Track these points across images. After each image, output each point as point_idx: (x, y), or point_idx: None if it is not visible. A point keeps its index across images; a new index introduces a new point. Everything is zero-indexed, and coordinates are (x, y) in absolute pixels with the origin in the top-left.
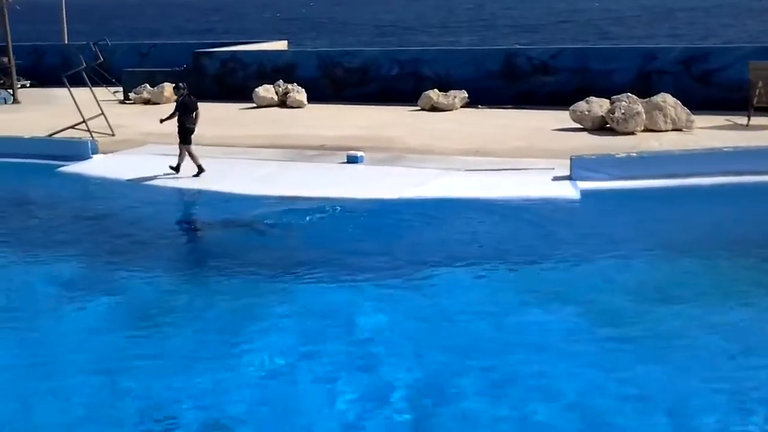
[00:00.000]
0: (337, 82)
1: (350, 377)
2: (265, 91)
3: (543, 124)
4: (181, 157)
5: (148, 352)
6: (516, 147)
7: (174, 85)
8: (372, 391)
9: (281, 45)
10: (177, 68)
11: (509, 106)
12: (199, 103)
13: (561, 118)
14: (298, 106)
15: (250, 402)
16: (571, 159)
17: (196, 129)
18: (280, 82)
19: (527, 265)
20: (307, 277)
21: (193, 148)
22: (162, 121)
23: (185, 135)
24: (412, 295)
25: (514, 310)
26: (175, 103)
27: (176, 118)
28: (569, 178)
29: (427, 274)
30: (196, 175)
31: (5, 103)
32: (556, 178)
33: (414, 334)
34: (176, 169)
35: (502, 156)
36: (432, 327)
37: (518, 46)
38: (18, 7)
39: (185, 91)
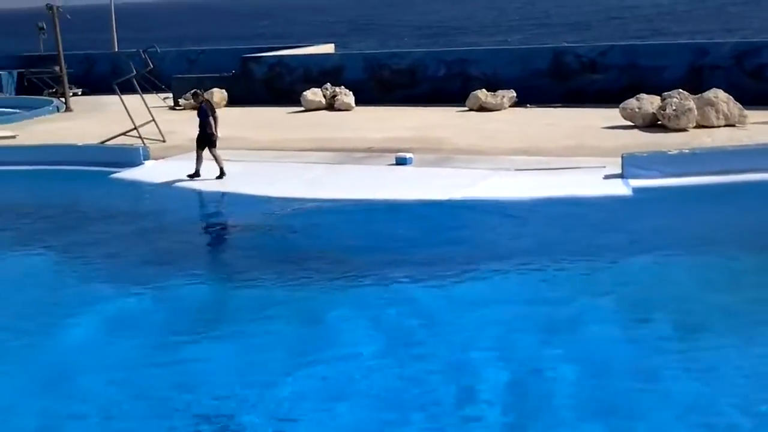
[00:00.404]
0: (384, 84)
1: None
2: (313, 94)
3: (592, 123)
4: (216, 160)
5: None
6: (566, 146)
7: (192, 92)
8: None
9: (328, 48)
10: (225, 74)
11: (558, 105)
12: (246, 108)
13: (611, 116)
14: (346, 108)
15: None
16: (622, 157)
17: (218, 134)
18: (328, 85)
19: (591, 264)
20: (379, 278)
21: (218, 151)
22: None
23: (206, 140)
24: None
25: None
26: (199, 111)
27: (199, 124)
28: (621, 176)
29: (495, 271)
30: (193, 176)
31: (57, 111)
32: (607, 177)
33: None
34: (195, 174)
35: (551, 155)
36: (529, 317)
37: (566, 44)
38: (69, 17)
39: (203, 98)
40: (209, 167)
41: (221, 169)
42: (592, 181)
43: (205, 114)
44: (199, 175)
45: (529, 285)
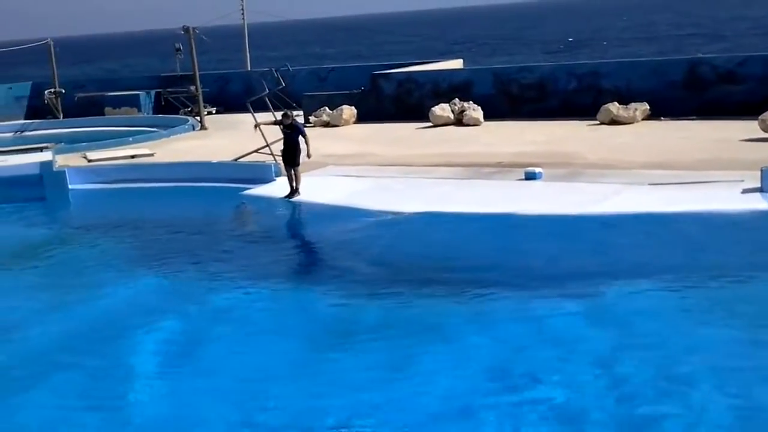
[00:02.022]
0: (513, 99)
1: None
2: (441, 109)
3: (730, 135)
4: (296, 180)
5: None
6: (701, 159)
7: (283, 113)
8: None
9: (456, 64)
10: (355, 90)
11: (693, 118)
12: (375, 124)
13: (749, 128)
14: (475, 123)
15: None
16: (761, 170)
17: (310, 151)
18: (456, 100)
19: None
20: (533, 292)
21: (300, 170)
22: (309, 155)
23: (294, 158)
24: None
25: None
26: (296, 129)
27: (284, 142)
28: (760, 190)
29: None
30: (288, 197)
31: (193, 129)
32: (745, 191)
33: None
34: (294, 192)
35: (686, 169)
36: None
37: (701, 55)
38: (205, 38)
39: (292, 119)
40: (331, 183)
41: (297, 189)
42: (730, 196)
43: (301, 134)
44: (298, 192)
45: (683, 302)
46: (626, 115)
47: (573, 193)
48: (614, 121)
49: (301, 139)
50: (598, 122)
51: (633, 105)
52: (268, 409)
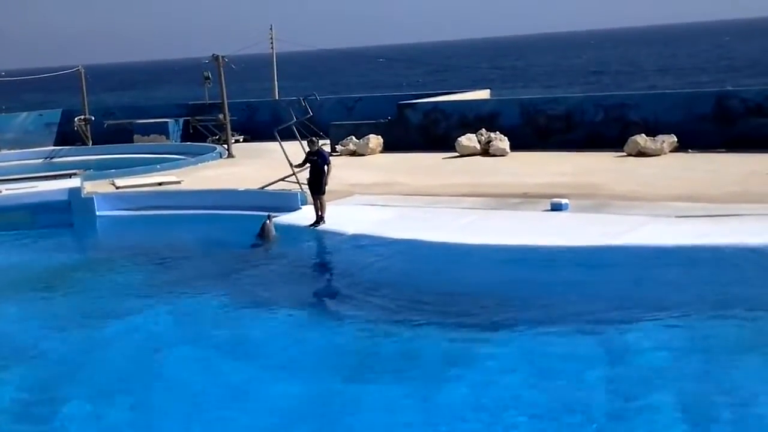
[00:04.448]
0: (540, 130)
1: None
2: (468, 140)
3: (759, 168)
4: (321, 209)
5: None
6: (730, 192)
7: (309, 140)
8: None
9: (483, 94)
10: (381, 120)
11: (722, 150)
12: (401, 154)
13: None
14: (501, 154)
15: None
16: None
17: (327, 180)
18: (483, 130)
19: None
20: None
21: (325, 198)
22: (325, 183)
23: (319, 186)
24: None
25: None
26: (320, 157)
27: (309, 169)
28: None
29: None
30: (314, 225)
31: (220, 157)
32: None
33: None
34: (319, 221)
35: (714, 202)
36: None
37: (730, 88)
38: (233, 66)
39: (318, 147)
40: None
41: (323, 217)
42: (760, 229)
43: (327, 160)
44: (323, 221)
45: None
46: (653, 147)
47: (599, 225)
48: (641, 153)
49: (326, 167)
50: (625, 154)
51: (660, 137)
52: None
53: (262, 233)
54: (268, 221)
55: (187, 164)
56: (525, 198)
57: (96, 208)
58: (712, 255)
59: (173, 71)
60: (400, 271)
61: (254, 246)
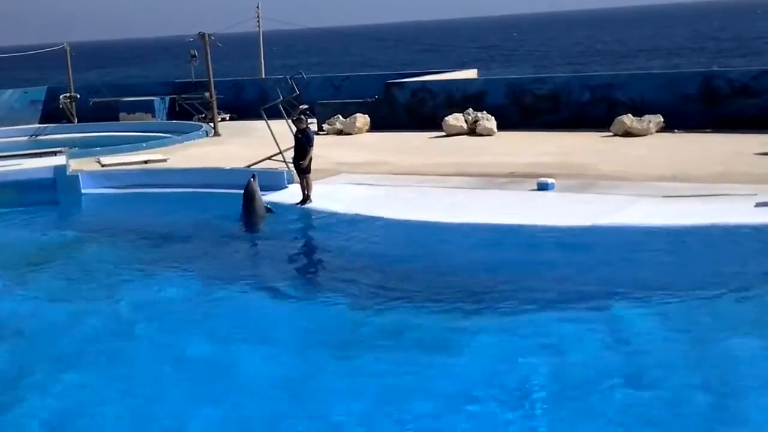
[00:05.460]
0: (527, 109)
1: None
2: (455, 119)
3: (744, 149)
4: (308, 187)
5: None
6: (715, 172)
7: (297, 117)
8: None
9: (471, 74)
10: (369, 99)
11: (708, 131)
12: (388, 133)
13: (764, 142)
14: (488, 134)
15: None
16: None
17: (306, 162)
18: (470, 110)
19: None
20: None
21: (311, 177)
22: (308, 163)
23: (300, 166)
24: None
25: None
26: (305, 136)
27: (295, 149)
28: None
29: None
30: (300, 204)
31: (207, 135)
32: (759, 204)
33: None
34: (306, 200)
35: (699, 182)
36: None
37: (717, 68)
38: (220, 44)
39: (306, 125)
40: (343, 191)
41: (309, 196)
42: (744, 209)
43: (310, 141)
44: (310, 200)
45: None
46: (640, 127)
47: (585, 204)
48: (628, 133)
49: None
50: (611, 134)
51: (647, 117)
52: None
53: (248, 200)
54: (252, 179)
55: (173, 142)
56: (512, 177)
57: (81, 186)
58: (700, 234)
59: (160, 49)
60: (386, 249)
61: (239, 222)
